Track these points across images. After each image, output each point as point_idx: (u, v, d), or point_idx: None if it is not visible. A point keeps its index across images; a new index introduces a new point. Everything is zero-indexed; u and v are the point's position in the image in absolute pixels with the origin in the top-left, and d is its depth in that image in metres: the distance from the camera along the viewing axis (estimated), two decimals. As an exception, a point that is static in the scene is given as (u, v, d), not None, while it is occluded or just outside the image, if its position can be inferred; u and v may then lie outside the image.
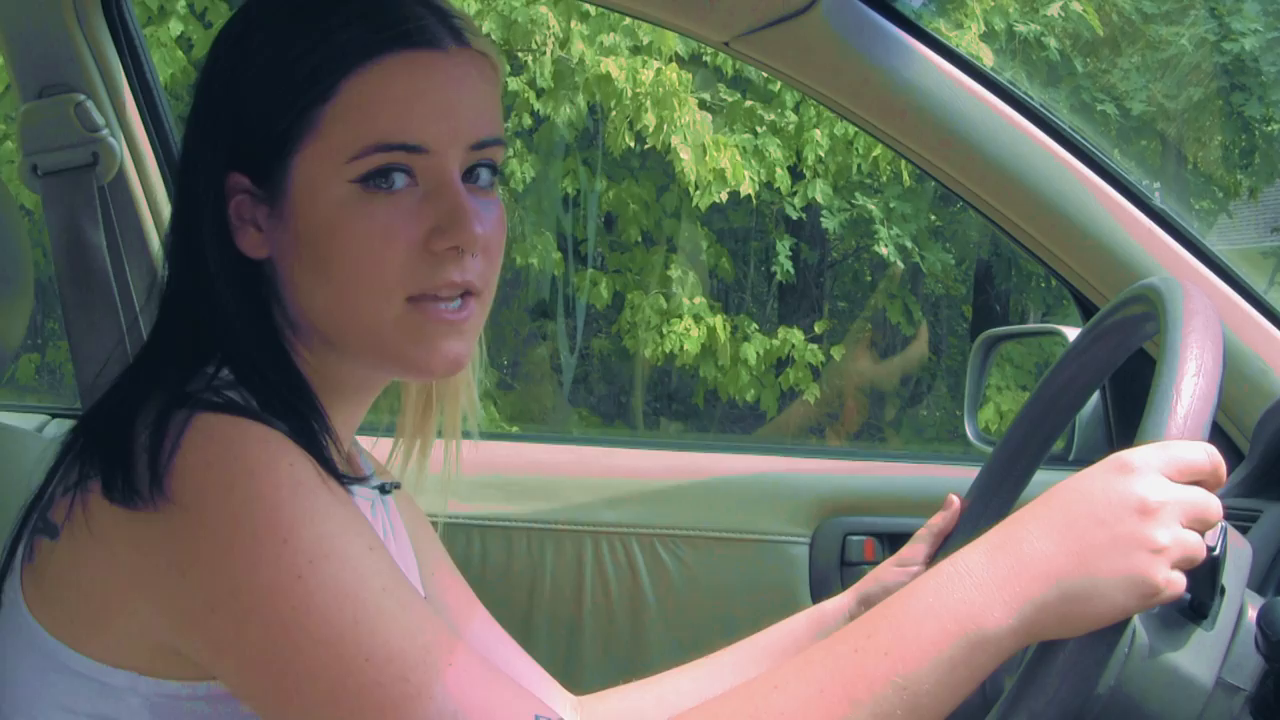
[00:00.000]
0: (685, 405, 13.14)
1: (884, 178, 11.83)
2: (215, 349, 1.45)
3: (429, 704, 1.27)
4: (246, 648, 1.29)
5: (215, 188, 1.46)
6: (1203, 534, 1.26)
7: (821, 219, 12.39)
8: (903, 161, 9.79)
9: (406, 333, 1.44)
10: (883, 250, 12.31)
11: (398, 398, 1.70)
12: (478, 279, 1.46)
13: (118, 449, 1.35)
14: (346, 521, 1.33)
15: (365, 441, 1.75)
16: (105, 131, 2.65)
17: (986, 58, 10.33)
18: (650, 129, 10.39)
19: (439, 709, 1.27)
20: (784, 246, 12.55)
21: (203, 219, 1.47)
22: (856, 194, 12.33)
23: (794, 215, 12.13)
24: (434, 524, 1.87)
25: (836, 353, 12.20)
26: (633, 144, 10.62)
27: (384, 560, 1.33)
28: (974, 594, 1.25)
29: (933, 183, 2.47)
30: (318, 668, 1.27)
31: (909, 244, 12.41)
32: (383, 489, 1.67)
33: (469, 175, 1.48)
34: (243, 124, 1.45)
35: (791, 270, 12.62)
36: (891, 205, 12.28)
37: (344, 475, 1.42)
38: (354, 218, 1.41)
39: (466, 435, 1.73)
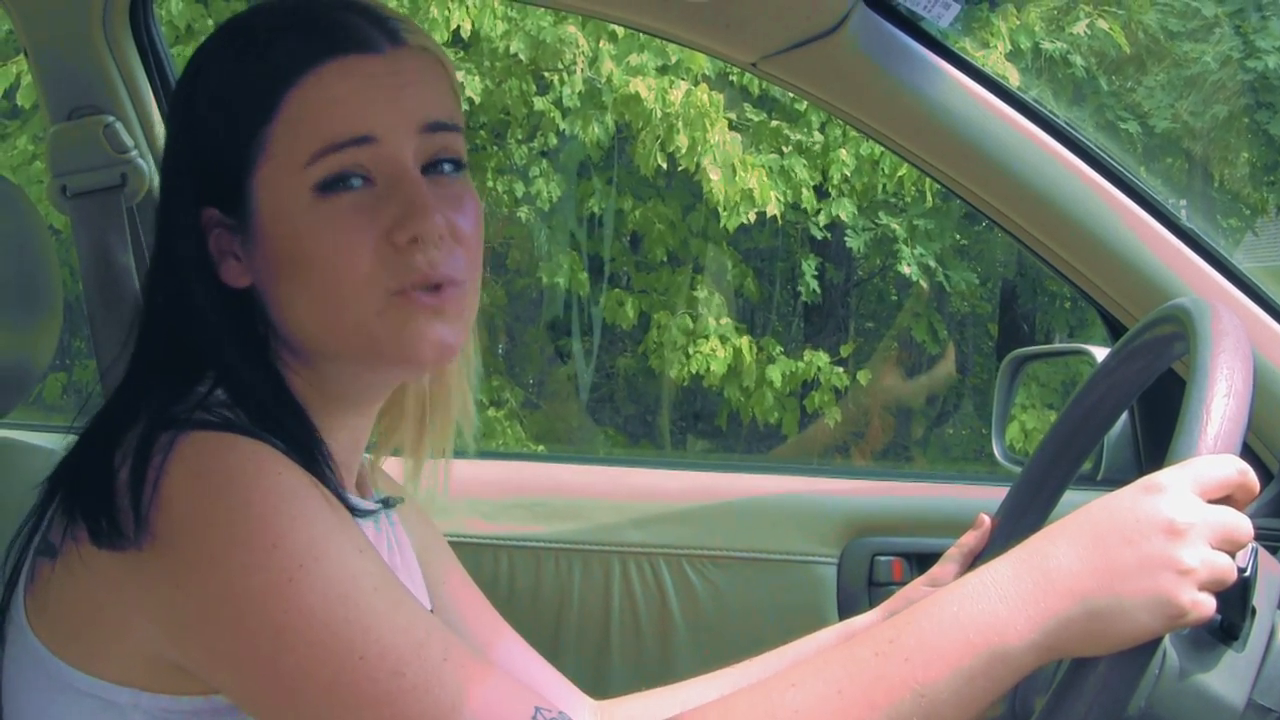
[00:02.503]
0: (711, 425, 13.13)
1: (909, 197, 11.82)
2: (207, 371, 1.47)
3: (425, 698, 1.29)
4: (242, 653, 1.31)
5: (193, 224, 1.48)
6: (1233, 555, 1.25)
7: (846, 238, 12.38)
8: (927, 180, 9.80)
9: (390, 323, 1.45)
10: (906, 270, 12.29)
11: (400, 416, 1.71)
12: (455, 270, 1.47)
13: (98, 493, 1.38)
14: (336, 525, 1.34)
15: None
16: (134, 153, 2.66)
17: (1013, 77, 10.31)
18: (683, 150, 10.38)
19: (436, 702, 1.29)
20: (809, 266, 12.54)
21: (184, 256, 1.49)
22: (881, 213, 12.32)
23: (819, 235, 12.12)
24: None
25: (863, 377, 12.18)
26: (664, 165, 10.62)
27: (375, 562, 1.35)
28: (998, 606, 1.25)
29: (957, 202, 2.47)
30: (312, 668, 1.28)
31: (933, 263, 12.39)
32: (386, 503, 1.67)
33: (432, 169, 1.48)
34: (202, 158, 1.47)
35: (817, 290, 12.61)
36: (916, 224, 12.26)
37: (341, 493, 1.44)
38: (317, 223, 1.43)
39: (461, 453, 1.74)
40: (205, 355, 1.47)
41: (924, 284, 12.55)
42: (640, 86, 10.27)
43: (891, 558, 2.60)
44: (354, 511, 1.46)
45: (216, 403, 1.43)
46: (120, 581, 1.36)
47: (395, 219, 1.43)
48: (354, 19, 1.47)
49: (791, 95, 8.75)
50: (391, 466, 1.80)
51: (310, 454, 1.43)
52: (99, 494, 1.38)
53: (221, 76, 1.47)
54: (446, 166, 1.50)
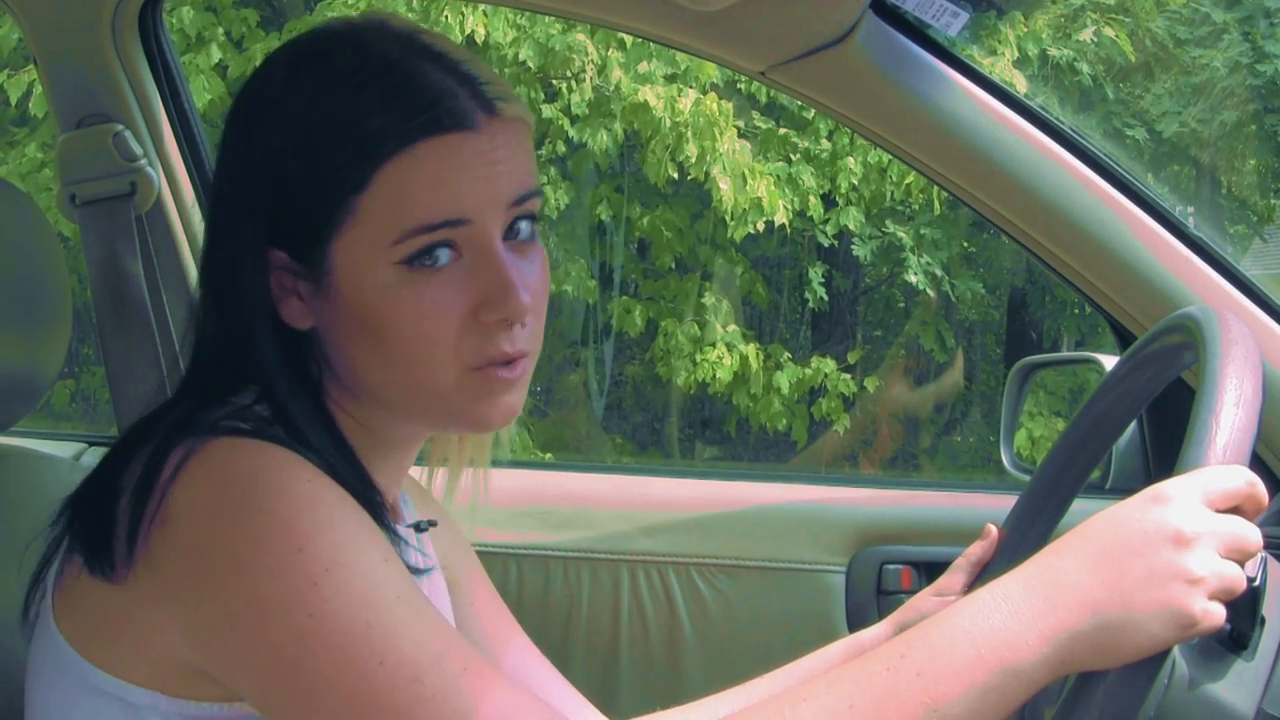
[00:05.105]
0: (719, 433, 13.13)
1: (916, 205, 11.82)
2: (248, 387, 1.47)
3: (443, 706, 1.28)
4: (264, 656, 1.31)
5: (258, 262, 1.46)
6: (1242, 564, 1.25)
7: (852, 247, 12.38)
8: (935, 188, 9.80)
9: (467, 394, 1.45)
10: (912, 278, 12.29)
11: None
12: (530, 343, 1.47)
13: (97, 517, 1.40)
14: (361, 533, 1.35)
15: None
16: (143, 161, 2.66)
17: (1020, 84, 10.32)
18: (692, 159, 10.39)
19: (453, 712, 1.29)
20: (816, 274, 12.54)
21: (245, 291, 1.47)
22: (888, 222, 12.32)
23: (826, 243, 12.13)
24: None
25: (870, 383, 12.18)
26: (675, 174, 10.63)
27: (398, 571, 1.35)
28: (1010, 621, 1.25)
29: (965, 210, 2.48)
30: (333, 673, 1.28)
31: (939, 272, 12.39)
32: (417, 527, 1.68)
33: (509, 231, 1.47)
34: (277, 206, 1.45)
35: (824, 297, 12.61)
36: (922, 233, 12.26)
37: (384, 520, 1.44)
38: (402, 299, 1.41)
39: (497, 462, 1.75)
40: (254, 380, 1.47)
41: (931, 293, 12.56)
42: (649, 95, 10.28)
43: (900, 566, 2.59)
44: (381, 520, 1.45)
45: (254, 415, 1.43)
46: (145, 586, 1.36)
47: (483, 298, 1.43)
48: (452, 88, 1.43)
49: (800, 103, 8.77)
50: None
51: (348, 479, 1.42)
52: (98, 519, 1.40)
53: (306, 133, 1.43)
54: (524, 227, 1.48)
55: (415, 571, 1.48)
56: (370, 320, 1.43)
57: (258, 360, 1.46)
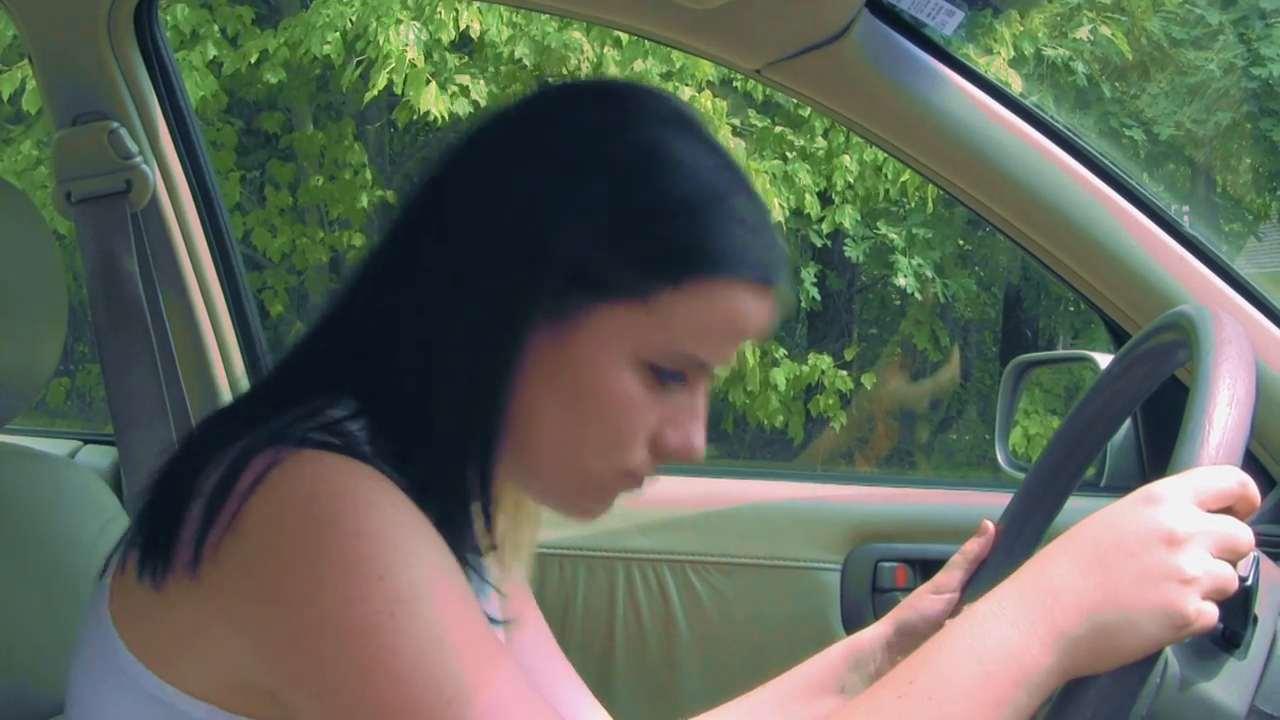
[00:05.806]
0: (715, 430, 13.13)
1: (912, 203, 11.82)
2: (339, 399, 1.42)
3: None
4: (329, 682, 1.28)
5: (544, 289, 1.41)
6: (1235, 564, 1.25)
7: (845, 247, 12.38)
8: (929, 186, 9.80)
9: (596, 487, 1.46)
10: (902, 281, 12.30)
11: None
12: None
13: (164, 518, 1.36)
14: (443, 567, 1.32)
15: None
16: (138, 159, 2.66)
17: (1015, 83, 10.32)
18: (686, 156, 10.37)
19: None
20: (809, 274, 12.55)
21: (511, 313, 1.41)
22: (879, 222, 12.32)
23: (819, 243, 12.13)
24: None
25: (867, 380, 12.19)
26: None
27: (475, 610, 1.32)
28: (1009, 631, 1.25)
29: (959, 208, 2.48)
30: (398, 707, 1.25)
31: (930, 273, 12.39)
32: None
33: None
34: (579, 248, 1.40)
35: (816, 297, 12.61)
36: (915, 233, 12.26)
37: (466, 553, 1.41)
38: (622, 387, 1.41)
39: None
40: (393, 383, 1.42)
41: (919, 296, 12.56)
42: (643, 93, 10.26)
43: (895, 564, 2.59)
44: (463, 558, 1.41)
45: (346, 431, 1.38)
46: (208, 593, 1.32)
47: (674, 424, 1.44)
48: (778, 246, 1.45)
49: (795, 101, 8.75)
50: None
51: (446, 509, 1.39)
52: (165, 518, 1.36)
53: (648, 205, 1.40)
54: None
55: (493, 622, 1.45)
56: (584, 385, 1.41)
57: (464, 368, 1.41)
